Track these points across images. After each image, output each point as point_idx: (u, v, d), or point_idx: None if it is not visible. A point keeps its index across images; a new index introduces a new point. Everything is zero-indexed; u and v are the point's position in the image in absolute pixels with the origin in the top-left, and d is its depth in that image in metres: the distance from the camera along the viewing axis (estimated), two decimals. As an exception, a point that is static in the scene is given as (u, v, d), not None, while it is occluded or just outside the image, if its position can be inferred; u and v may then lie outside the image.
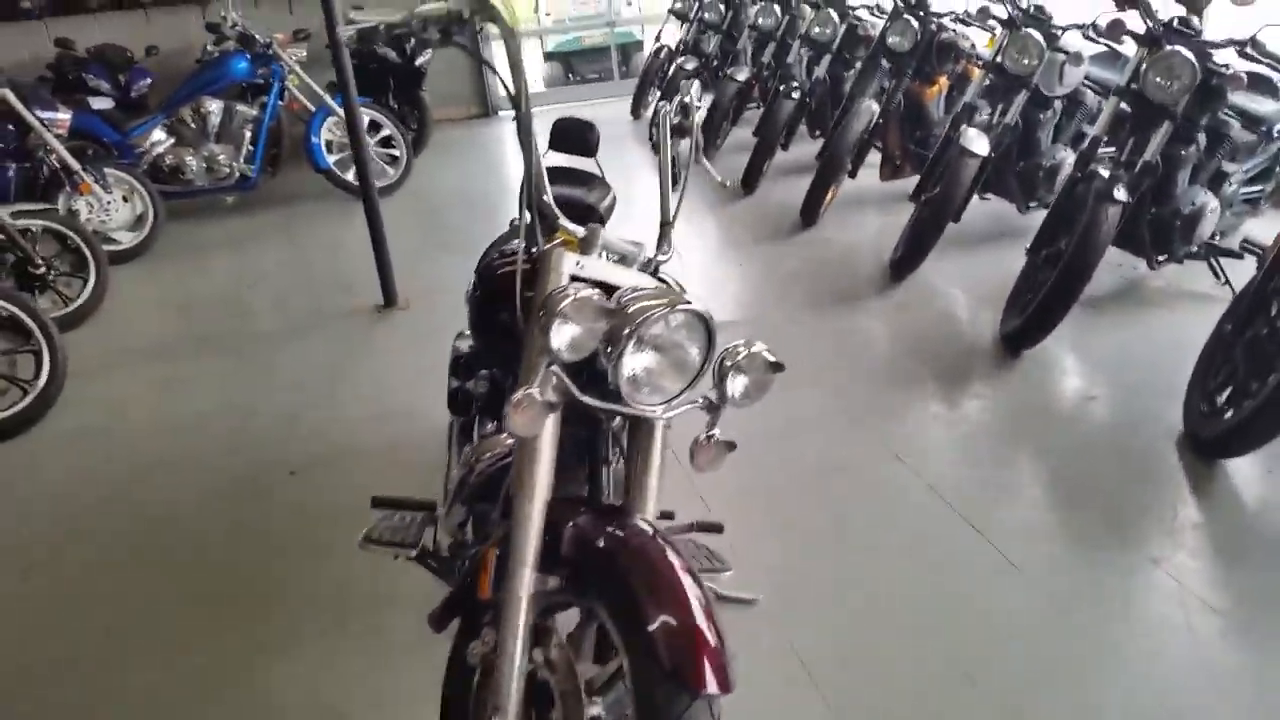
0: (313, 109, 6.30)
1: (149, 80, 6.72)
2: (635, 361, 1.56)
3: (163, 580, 2.72)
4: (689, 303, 1.57)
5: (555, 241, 1.80)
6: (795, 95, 5.71)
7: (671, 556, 1.50)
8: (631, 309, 1.56)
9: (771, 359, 1.71)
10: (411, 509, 2.17)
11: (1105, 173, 3.40)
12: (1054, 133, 4.52)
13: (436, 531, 2.08)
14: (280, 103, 6.36)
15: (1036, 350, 3.57)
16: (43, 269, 4.51)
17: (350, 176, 6.34)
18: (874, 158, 5.48)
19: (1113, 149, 3.75)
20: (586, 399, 1.57)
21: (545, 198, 1.78)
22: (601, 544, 1.53)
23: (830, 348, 3.86)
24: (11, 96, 5.07)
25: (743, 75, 6.35)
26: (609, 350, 1.53)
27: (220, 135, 6.24)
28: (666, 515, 2.33)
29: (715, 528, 2.15)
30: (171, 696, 2.28)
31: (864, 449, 3.08)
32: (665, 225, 1.94)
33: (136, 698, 2.29)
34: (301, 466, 3.20)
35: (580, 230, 1.83)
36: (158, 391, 3.95)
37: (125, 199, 5.63)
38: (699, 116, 2.08)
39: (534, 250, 1.79)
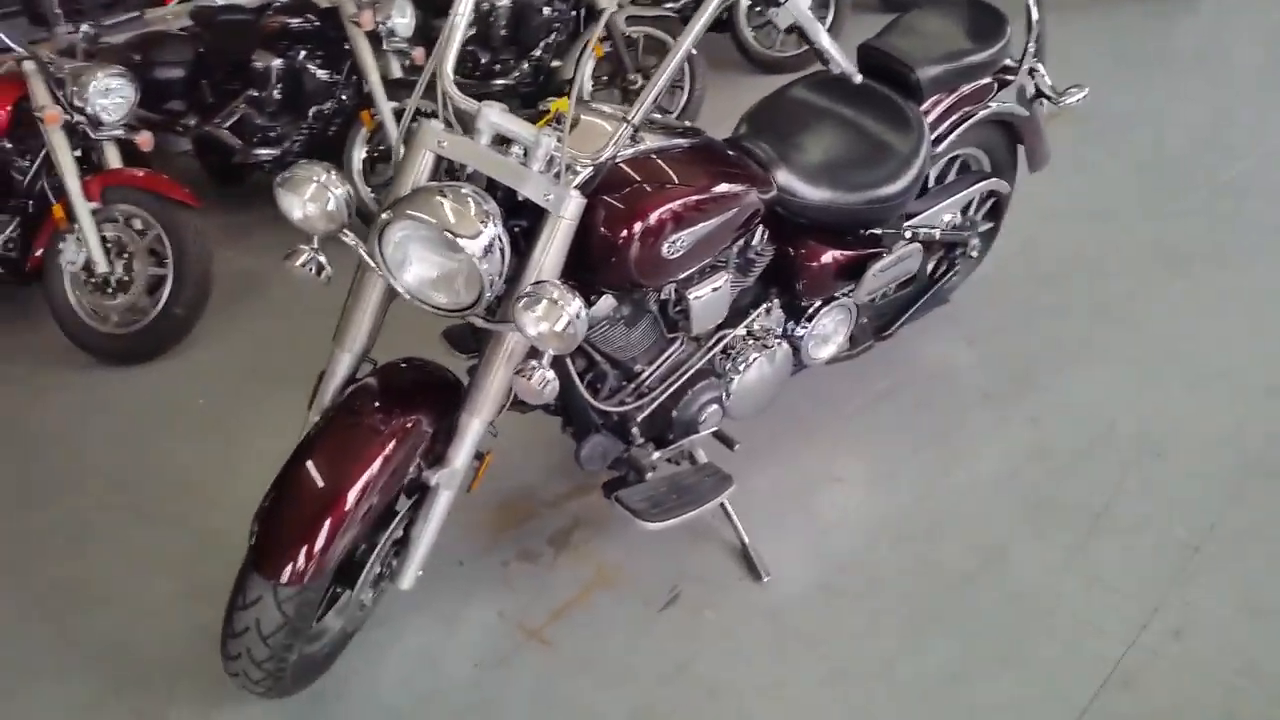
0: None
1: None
2: (391, 249, 1.64)
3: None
4: (453, 226, 1.54)
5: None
6: None
7: (371, 459, 1.67)
8: (401, 201, 1.63)
9: (561, 323, 1.57)
10: None
11: None
12: None
13: None
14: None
15: None
16: (635, 80, 4.60)
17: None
18: None
19: None
20: (381, 272, 1.69)
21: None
22: (343, 414, 1.77)
23: None
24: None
25: None
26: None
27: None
28: (725, 440, 2.22)
29: (728, 441, 2.29)
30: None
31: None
32: (623, 121, 1.69)
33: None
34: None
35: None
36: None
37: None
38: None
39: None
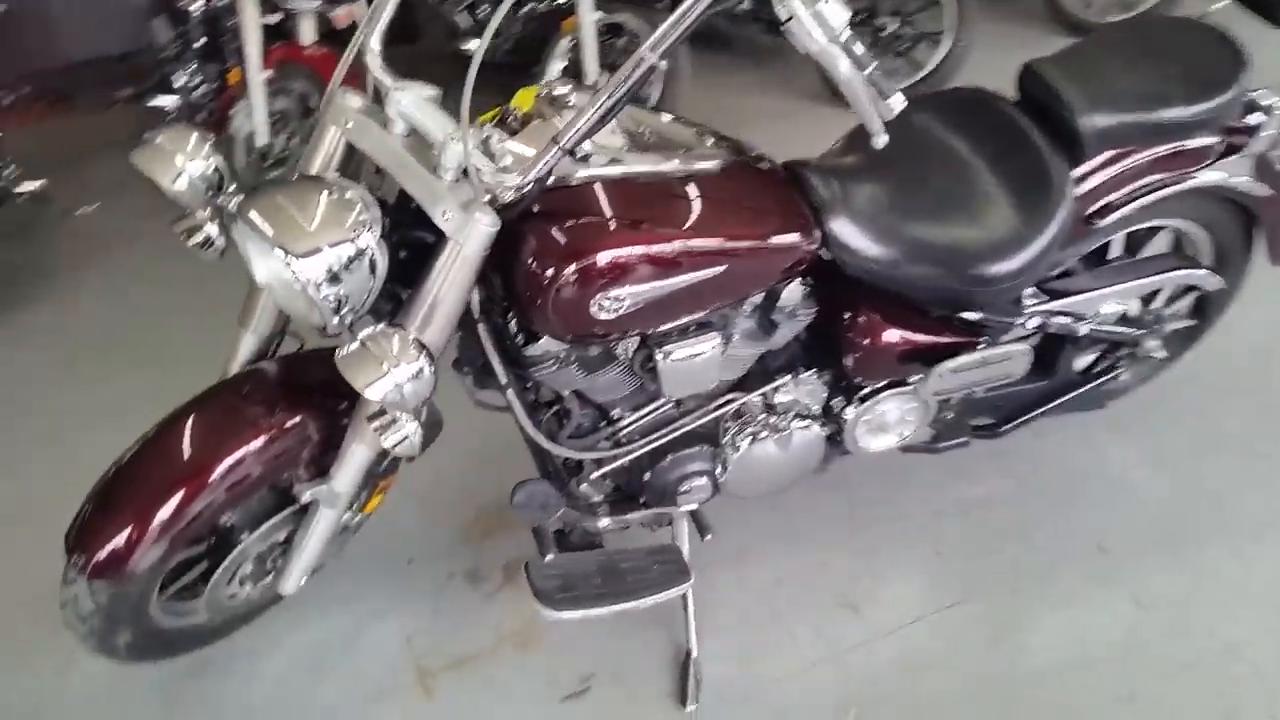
0: None
1: None
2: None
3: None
4: (285, 240, 1.27)
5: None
6: None
7: (229, 453, 1.50)
8: (257, 191, 1.37)
9: (380, 389, 1.31)
10: None
11: None
12: None
13: None
14: None
15: None
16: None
17: None
18: None
19: None
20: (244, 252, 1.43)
21: None
22: (221, 394, 1.61)
23: None
24: None
25: None
26: None
27: None
28: (699, 524, 1.89)
29: (702, 527, 1.87)
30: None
31: None
32: (554, 143, 1.31)
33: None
34: None
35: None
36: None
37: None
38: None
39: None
